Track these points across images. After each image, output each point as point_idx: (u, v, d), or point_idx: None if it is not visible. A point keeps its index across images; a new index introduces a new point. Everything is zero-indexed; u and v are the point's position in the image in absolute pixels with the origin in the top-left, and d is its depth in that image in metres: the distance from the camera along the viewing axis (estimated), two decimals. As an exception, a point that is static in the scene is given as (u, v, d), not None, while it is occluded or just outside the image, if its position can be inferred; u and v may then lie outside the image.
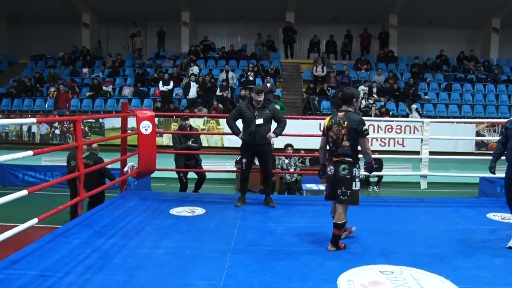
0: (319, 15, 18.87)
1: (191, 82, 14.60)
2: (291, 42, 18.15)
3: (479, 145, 12.68)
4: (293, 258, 3.92)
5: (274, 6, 18.02)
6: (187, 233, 4.62)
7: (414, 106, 14.16)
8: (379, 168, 12.50)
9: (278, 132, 5.81)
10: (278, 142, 9.55)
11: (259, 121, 5.65)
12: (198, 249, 4.06)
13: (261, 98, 5.68)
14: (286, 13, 18.30)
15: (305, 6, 17.93)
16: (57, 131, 13.67)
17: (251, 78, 15.17)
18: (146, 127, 6.08)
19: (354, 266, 3.70)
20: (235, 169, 11.95)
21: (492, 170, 4.63)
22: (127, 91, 15.02)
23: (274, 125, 5.89)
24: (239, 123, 5.86)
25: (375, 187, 12.89)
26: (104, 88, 15.32)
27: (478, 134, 12.85)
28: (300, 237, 4.57)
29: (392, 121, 12.97)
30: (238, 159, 12.43)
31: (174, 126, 12.84)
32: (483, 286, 3.41)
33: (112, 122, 13.00)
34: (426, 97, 15.32)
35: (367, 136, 4.13)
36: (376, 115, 13.69)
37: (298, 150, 10.41)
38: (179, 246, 4.17)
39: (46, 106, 15.00)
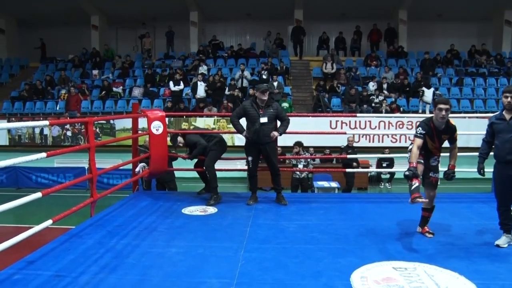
0: (328, 12, 18.81)
1: (198, 82, 14.63)
2: (300, 42, 17.98)
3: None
4: (306, 255, 3.91)
5: (282, 4, 17.99)
6: (200, 232, 4.63)
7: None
8: (391, 165, 12.46)
9: (282, 131, 5.83)
10: (287, 140, 9.57)
11: (264, 119, 5.68)
12: (211, 248, 4.07)
13: (266, 97, 5.70)
14: (294, 10, 18.26)
15: (313, 2, 17.89)
16: (69, 133, 13.82)
17: (264, 77, 15.17)
18: (157, 127, 6.10)
19: (367, 262, 3.68)
20: (246, 167, 11.97)
21: (481, 171, 4.48)
22: (137, 91, 15.11)
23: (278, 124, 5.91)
24: (243, 122, 5.88)
25: (387, 184, 12.82)
26: (114, 89, 15.44)
27: (490, 128, 12.71)
28: (312, 235, 4.55)
29: (403, 117, 12.90)
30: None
31: (184, 126, 12.89)
32: (497, 281, 3.37)
33: (123, 123, 13.11)
34: (437, 92, 15.18)
35: (416, 138, 4.34)
36: (386, 112, 13.61)
37: (309, 148, 10.42)
38: (191, 245, 4.18)
39: (58, 108, 15.18)
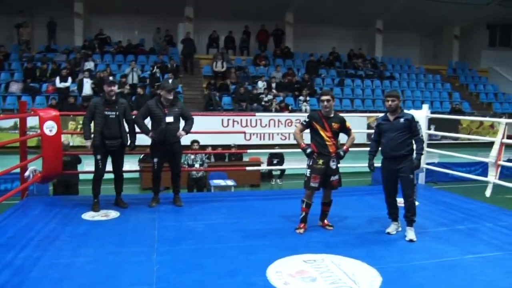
0: (218, 11, 18.93)
1: (85, 79, 13.80)
2: (191, 57, 17.10)
3: (370, 136, 13.73)
4: (218, 254, 4.01)
5: (173, 0, 17.71)
6: (106, 238, 4.46)
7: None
8: (281, 162, 13.04)
9: (188, 130, 5.84)
10: (184, 139, 9.51)
11: (169, 119, 5.62)
12: (121, 254, 3.96)
13: (171, 96, 5.67)
14: (185, 7, 18.13)
15: (204, 1, 17.90)
16: None
17: (158, 75, 14.82)
18: (50, 128, 5.69)
19: (278, 257, 3.89)
20: (138, 168, 11.62)
21: (371, 167, 4.99)
22: (15, 87, 13.75)
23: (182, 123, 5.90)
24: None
25: (278, 180, 13.41)
26: (-15, 84, 13.89)
27: (369, 126, 13.96)
28: (220, 233, 4.67)
29: (292, 116, 13.60)
30: (141, 157, 12.09)
31: (71, 125, 12.09)
32: (392, 264, 3.84)
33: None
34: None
35: (299, 124, 5.08)
36: (276, 110, 14.20)
37: (204, 147, 10.47)
38: (100, 252, 4.02)
39: None
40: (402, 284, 3.49)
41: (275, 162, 13.05)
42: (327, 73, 17.73)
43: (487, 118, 14.32)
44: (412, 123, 4.69)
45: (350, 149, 5.04)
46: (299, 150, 8.88)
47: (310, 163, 4.85)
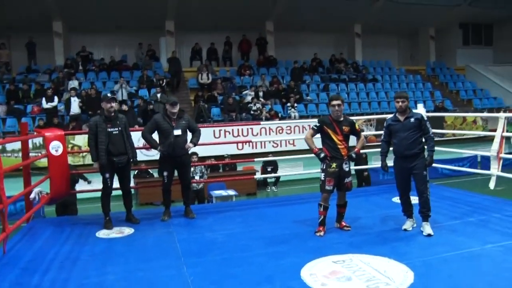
0: (199, 23, 18.92)
1: (71, 98, 13.63)
2: (178, 75, 16.94)
3: (360, 138, 13.90)
4: (247, 262, 4.01)
5: (153, 15, 17.64)
6: (128, 254, 4.41)
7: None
8: (275, 169, 13.09)
9: (195, 141, 5.83)
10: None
11: (177, 132, 5.63)
12: (150, 269, 3.92)
13: (176, 109, 5.68)
14: (166, 21, 18.11)
15: (185, 14, 17.88)
16: None
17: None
18: (56, 148, 5.61)
19: (307, 261, 3.91)
20: (133, 185, 11.46)
21: (385, 168, 5.09)
22: (-2, 110, 13.50)
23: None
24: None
25: (273, 187, 13.44)
26: (-32, 107, 13.55)
27: (357, 129, 14.10)
28: (242, 242, 4.67)
29: (284, 123, 13.72)
30: (135, 173, 11.95)
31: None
32: (418, 259, 3.92)
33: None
34: (308, 97, 16.39)
35: (310, 129, 5.07)
36: (266, 119, 14.27)
37: (204, 159, 10.45)
38: (127, 269, 3.96)
39: None
40: (434, 277, 3.55)
41: (269, 169, 13.09)
42: (312, 79, 17.93)
43: (485, 114, 14.65)
44: (422, 122, 4.83)
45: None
46: (292, 157, 8.97)
47: (324, 167, 4.91)
